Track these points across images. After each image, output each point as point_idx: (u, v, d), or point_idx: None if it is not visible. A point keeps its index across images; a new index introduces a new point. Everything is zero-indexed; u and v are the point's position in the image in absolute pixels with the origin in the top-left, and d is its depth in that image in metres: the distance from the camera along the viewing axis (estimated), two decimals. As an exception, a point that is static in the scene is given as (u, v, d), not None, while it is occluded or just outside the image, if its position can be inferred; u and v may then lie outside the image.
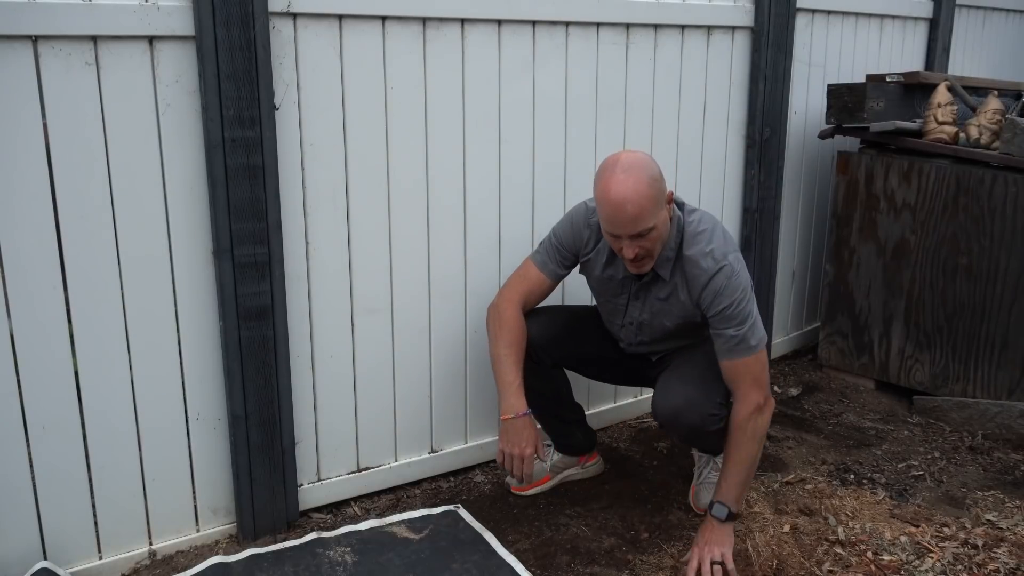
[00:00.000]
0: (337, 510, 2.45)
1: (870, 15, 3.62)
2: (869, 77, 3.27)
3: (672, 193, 2.14)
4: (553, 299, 2.68)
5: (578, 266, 2.39)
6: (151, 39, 1.92)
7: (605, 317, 2.46)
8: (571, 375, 2.56)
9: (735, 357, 2.15)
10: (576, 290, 2.68)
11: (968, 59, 4.44)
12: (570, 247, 2.33)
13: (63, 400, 1.98)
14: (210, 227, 2.07)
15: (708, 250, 2.15)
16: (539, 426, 2.33)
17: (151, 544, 2.18)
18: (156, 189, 2.00)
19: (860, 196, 3.21)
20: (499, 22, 2.42)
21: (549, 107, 2.59)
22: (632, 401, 3.07)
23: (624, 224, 2.03)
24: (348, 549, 2.22)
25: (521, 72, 2.50)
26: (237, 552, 2.20)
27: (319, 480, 2.42)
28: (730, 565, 2.11)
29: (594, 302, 2.54)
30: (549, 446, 2.62)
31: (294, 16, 2.09)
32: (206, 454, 2.21)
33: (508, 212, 2.58)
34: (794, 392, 3.31)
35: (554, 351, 2.40)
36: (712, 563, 2.10)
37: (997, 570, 2.13)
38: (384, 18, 2.23)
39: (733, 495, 2.17)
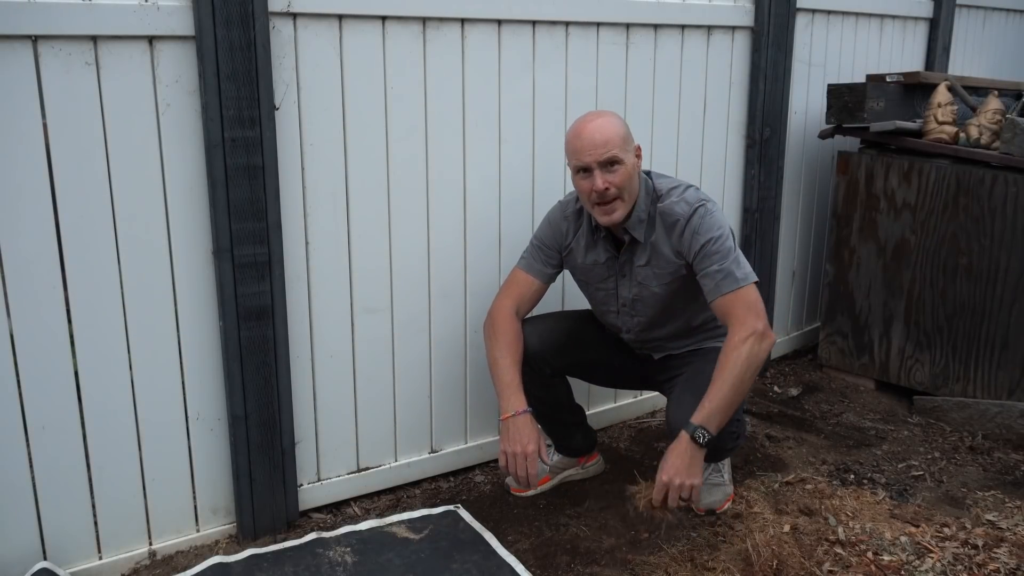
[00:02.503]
0: (337, 510, 2.45)
1: (870, 15, 3.62)
2: (869, 77, 3.27)
3: (641, 149, 2.24)
4: (553, 304, 2.68)
5: (564, 267, 2.42)
6: (151, 39, 1.92)
7: (601, 312, 2.46)
8: (571, 378, 2.56)
9: (724, 291, 2.12)
10: (577, 291, 2.68)
11: (968, 59, 4.44)
12: (551, 243, 2.38)
13: (63, 400, 1.98)
14: (210, 227, 2.07)
15: (680, 198, 2.23)
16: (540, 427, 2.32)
17: (151, 544, 2.18)
18: (156, 189, 2.00)
19: (860, 196, 3.21)
20: (499, 22, 2.42)
21: (549, 107, 2.59)
22: (632, 401, 3.07)
23: (595, 147, 2.13)
24: (348, 549, 2.22)
25: (521, 72, 2.50)
26: (237, 552, 2.20)
27: (319, 480, 2.42)
28: (697, 497, 2.00)
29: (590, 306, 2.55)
30: (549, 446, 2.62)
31: (294, 16, 2.09)
32: (206, 454, 2.21)
33: (508, 212, 2.59)
34: (794, 392, 3.31)
35: (554, 360, 2.39)
36: (681, 498, 1.99)
37: (997, 570, 2.13)
38: (384, 18, 2.23)
39: (716, 422, 2.01)
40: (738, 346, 2.05)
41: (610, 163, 2.13)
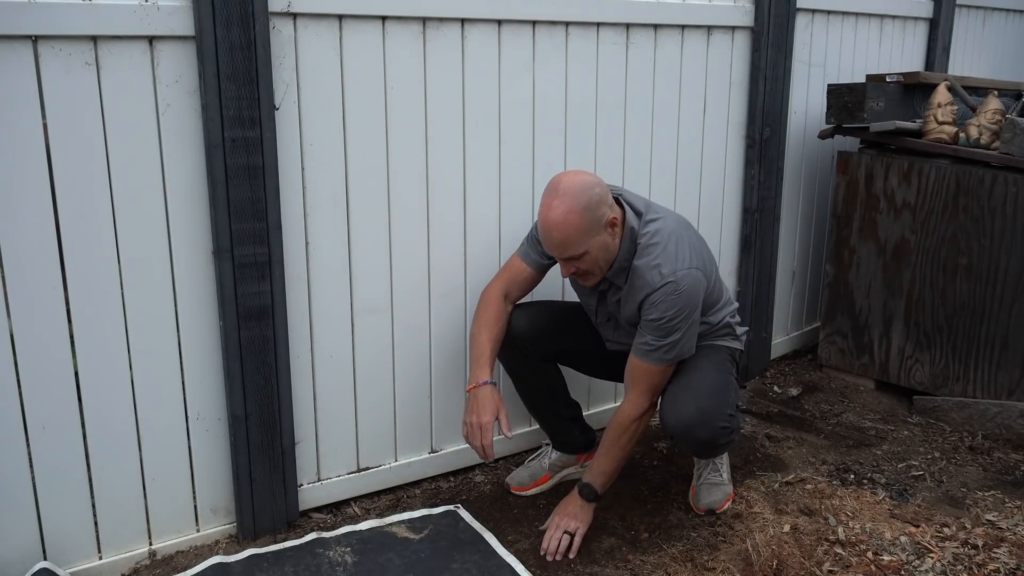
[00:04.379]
0: (337, 510, 2.45)
1: (870, 15, 3.62)
2: (869, 77, 3.27)
3: (617, 218, 2.15)
4: (552, 297, 2.68)
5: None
6: (151, 39, 1.92)
7: (589, 315, 2.48)
8: (568, 373, 2.55)
9: (643, 359, 2.22)
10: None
11: (968, 59, 4.45)
12: None
13: (63, 400, 1.98)
14: (210, 227, 2.07)
15: (655, 264, 2.16)
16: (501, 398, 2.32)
17: (151, 544, 2.18)
18: (156, 189, 2.00)
19: (860, 196, 3.21)
20: (499, 22, 2.42)
21: (549, 107, 2.59)
22: (632, 401, 3.06)
23: (552, 248, 2.16)
24: (348, 549, 2.22)
25: (521, 72, 2.50)
26: (237, 552, 2.20)
27: (319, 480, 2.42)
28: (578, 541, 2.24)
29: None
30: (548, 444, 2.62)
31: (294, 16, 2.09)
32: (206, 454, 2.21)
33: (508, 212, 2.58)
34: (794, 392, 3.31)
35: (542, 343, 2.40)
36: (565, 532, 2.24)
37: (997, 570, 2.13)
38: (384, 18, 2.23)
39: (601, 481, 2.28)
40: (627, 426, 2.25)
41: (571, 258, 2.15)
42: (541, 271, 2.41)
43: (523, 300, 2.45)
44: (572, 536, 2.23)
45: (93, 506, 2.08)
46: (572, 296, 2.71)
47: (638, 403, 2.24)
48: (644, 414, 2.26)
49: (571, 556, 2.22)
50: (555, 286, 2.67)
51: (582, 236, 2.09)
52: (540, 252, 2.38)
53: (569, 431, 2.58)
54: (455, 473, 2.66)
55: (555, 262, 2.42)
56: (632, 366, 2.24)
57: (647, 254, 2.17)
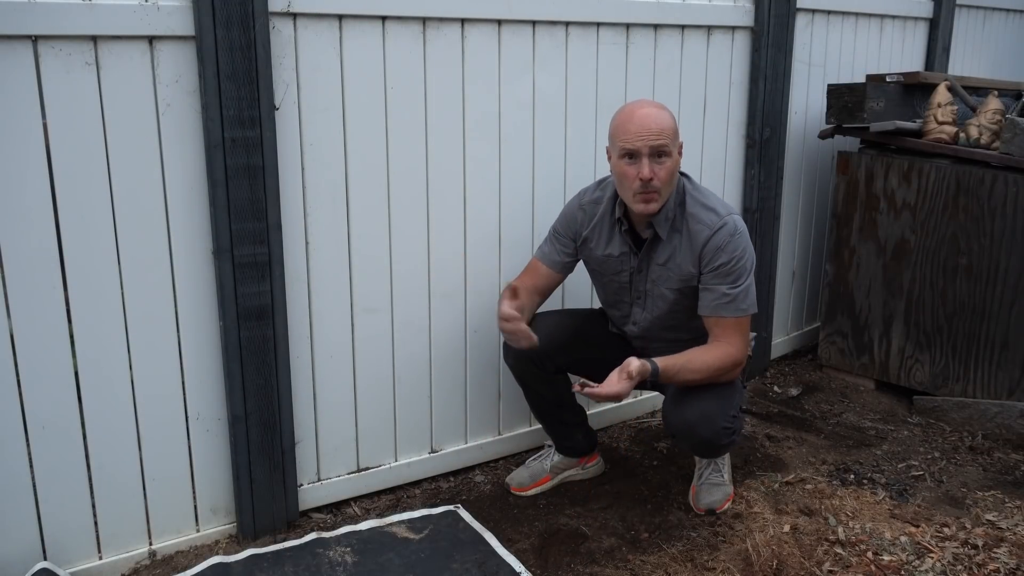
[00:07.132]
0: (337, 510, 2.45)
1: (870, 15, 3.62)
2: (869, 77, 3.27)
3: (682, 147, 2.23)
4: (554, 303, 2.68)
5: (579, 257, 2.42)
6: (151, 39, 1.92)
7: (612, 303, 2.45)
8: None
9: (723, 314, 2.20)
10: (577, 289, 2.68)
11: (968, 59, 4.45)
12: (566, 231, 2.39)
13: (63, 400, 1.98)
14: (210, 227, 2.07)
15: (711, 206, 2.23)
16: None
17: (151, 544, 2.18)
18: (156, 189, 2.00)
19: (860, 196, 3.21)
20: (499, 22, 2.42)
21: (549, 107, 2.59)
22: (632, 401, 3.07)
23: (648, 132, 2.11)
24: (348, 549, 2.22)
25: (521, 72, 2.50)
26: (237, 552, 2.20)
27: (319, 480, 2.42)
28: (600, 391, 2.08)
29: (596, 305, 2.54)
30: (550, 446, 2.62)
31: (294, 16, 2.09)
32: (206, 454, 2.21)
33: (508, 212, 2.58)
34: (794, 392, 3.31)
35: (558, 357, 2.39)
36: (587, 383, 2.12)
37: (997, 570, 2.13)
38: (384, 18, 2.23)
39: (667, 366, 2.13)
40: (731, 365, 2.21)
41: (659, 153, 2.13)
42: (560, 270, 2.41)
43: (541, 309, 2.45)
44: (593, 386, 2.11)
45: (93, 506, 2.08)
46: (573, 300, 2.72)
47: (740, 349, 2.21)
48: (740, 364, 2.23)
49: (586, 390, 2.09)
50: (557, 291, 2.67)
51: (673, 136, 2.16)
52: (559, 249, 2.38)
53: (573, 436, 2.58)
54: (455, 473, 2.66)
55: (576, 260, 2.42)
56: (720, 326, 2.21)
57: (698, 200, 2.24)
